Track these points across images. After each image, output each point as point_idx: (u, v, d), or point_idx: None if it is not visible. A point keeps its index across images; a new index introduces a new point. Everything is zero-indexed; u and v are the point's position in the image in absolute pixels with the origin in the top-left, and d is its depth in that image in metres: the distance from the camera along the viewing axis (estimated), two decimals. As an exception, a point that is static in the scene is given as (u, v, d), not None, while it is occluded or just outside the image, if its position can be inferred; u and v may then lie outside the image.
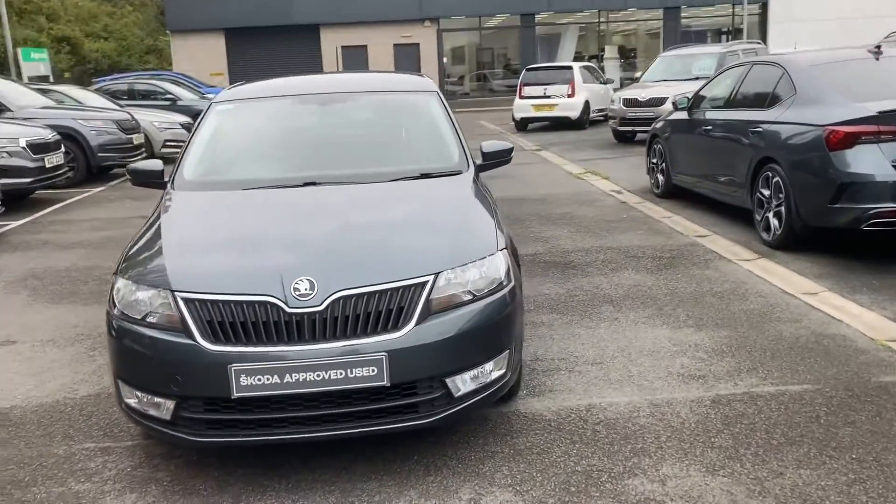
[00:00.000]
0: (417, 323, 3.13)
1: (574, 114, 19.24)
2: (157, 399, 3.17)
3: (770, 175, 6.73)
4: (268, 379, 3.01)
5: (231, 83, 25.54)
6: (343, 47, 31.54)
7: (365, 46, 31.62)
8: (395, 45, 31.74)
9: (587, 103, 19.36)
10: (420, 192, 4.01)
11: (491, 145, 4.57)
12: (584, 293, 5.77)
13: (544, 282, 6.10)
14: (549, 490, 3.16)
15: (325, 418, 3.12)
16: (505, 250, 3.55)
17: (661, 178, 9.48)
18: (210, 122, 4.61)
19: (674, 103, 9.07)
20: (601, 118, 19.48)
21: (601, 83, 21.28)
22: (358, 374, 3.05)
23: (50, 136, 10.90)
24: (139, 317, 3.22)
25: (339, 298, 3.08)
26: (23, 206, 10.74)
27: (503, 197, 9.88)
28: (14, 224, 9.61)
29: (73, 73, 29.64)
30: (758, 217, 7.02)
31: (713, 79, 8.87)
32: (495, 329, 3.38)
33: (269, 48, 31.24)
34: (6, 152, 10.11)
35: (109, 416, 4.00)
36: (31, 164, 10.34)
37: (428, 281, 3.20)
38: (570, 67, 20.05)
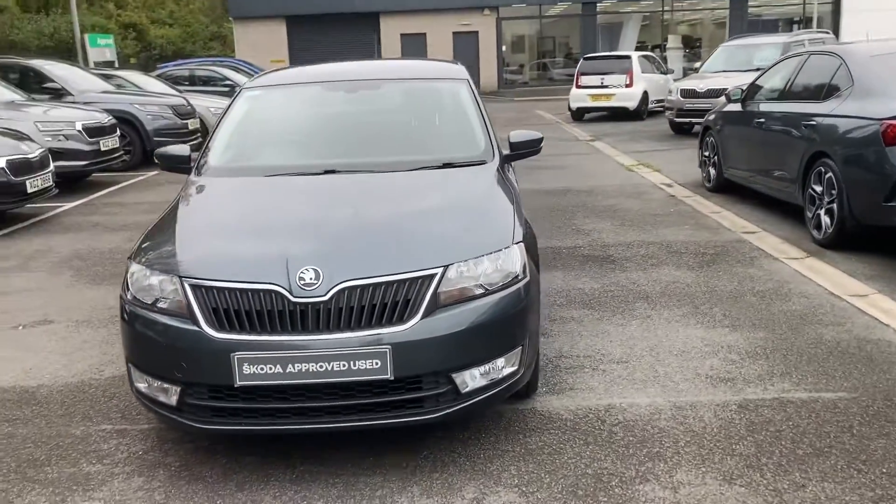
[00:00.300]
0: (424, 316, 3.06)
1: (632, 104, 18.87)
2: (164, 385, 3.17)
3: (822, 170, 6.45)
4: (270, 368, 2.98)
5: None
6: (403, 35, 31.56)
7: (424, 34, 31.59)
8: (453, 33, 31.63)
9: (645, 94, 18.96)
10: (440, 182, 3.93)
11: (519, 135, 4.45)
12: (620, 289, 5.61)
13: (580, 276, 5.96)
14: (556, 492, 3.06)
15: (328, 410, 3.07)
16: (521, 244, 3.45)
17: (712, 171, 9.20)
18: (238, 107, 4.60)
19: (726, 94, 8.78)
20: (660, 109, 19.03)
21: (661, 73, 20.81)
22: (361, 367, 2.99)
23: (106, 119, 11.13)
24: (150, 302, 3.22)
25: (344, 289, 3.03)
26: (78, 188, 11.01)
27: (550, 188, 9.78)
28: (68, 206, 9.85)
29: (139, 59, 30.35)
30: (809, 214, 6.74)
31: (769, 69, 8.54)
32: (508, 324, 3.29)
33: (329, 36, 31.46)
34: (63, 135, 10.36)
35: (130, 398, 4.02)
36: (86, 148, 10.58)
37: (436, 274, 3.12)
38: (628, 57, 19.66)
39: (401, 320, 3.04)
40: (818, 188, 6.53)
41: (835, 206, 6.26)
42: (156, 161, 4.53)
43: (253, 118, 4.53)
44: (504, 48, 33.57)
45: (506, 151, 4.40)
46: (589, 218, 8.04)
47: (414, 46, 31.49)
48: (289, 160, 4.27)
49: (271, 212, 3.63)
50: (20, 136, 8.92)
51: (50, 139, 10.12)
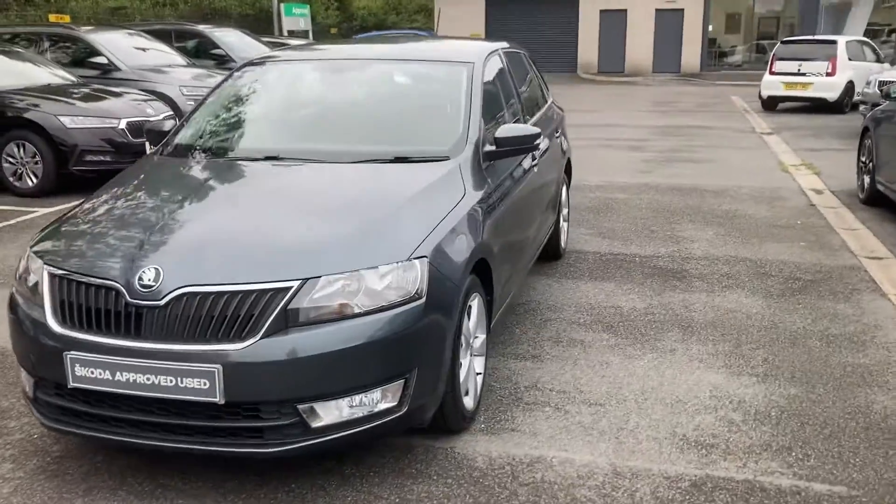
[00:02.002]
0: (266, 335, 2.67)
1: (832, 95, 16.80)
2: (26, 375, 3.04)
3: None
4: (99, 373, 2.74)
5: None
6: (602, 11, 30.34)
7: (625, 11, 30.16)
8: (657, 9, 29.91)
9: (850, 84, 16.78)
10: (370, 179, 3.48)
11: (508, 130, 3.87)
12: (664, 312, 4.85)
13: (630, 292, 5.23)
14: (391, 561, 2.58)
15: (162, 426, 2.79)
16: (424, 259, 2.95)
17: (866, 179, 7.85)
18: (229, 82, 4.38)
19: (881, 90, 7.40)
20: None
21: (877, 61, 18.35)
22: (189, 385, 2.67)
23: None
24: (27, 286, 3.08)
25: (182, 295, 2.71)
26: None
27: (677, 185, 8.85)
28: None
29: (340, 30, 31.49)
30: (945, 243, 5.50)
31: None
32: (387, 351, 2.83)
33: (527, 12, 30.90)
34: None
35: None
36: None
37: (291, 287, 2.71)
38: (833, 42, 17.48)
39: (238, 338, 2.68)
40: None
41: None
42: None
43: (233, 95, 4.29)
44: (710, 27, 31.28)
45: (492, 148, 3.85)
46: (694, 224, 7.12)
47: (612, 24, 30.20)
48: (241, 142, 3.99)
49: (166, 201, 3.36)
50: (150, 99, 9.35)
51: (192, 104, 10.55)
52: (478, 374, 3.54)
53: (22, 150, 8.34)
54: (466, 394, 3.38)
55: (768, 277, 5.52)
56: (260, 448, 2.74)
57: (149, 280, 2.74)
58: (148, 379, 2.70)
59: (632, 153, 11.39)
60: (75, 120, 8.35)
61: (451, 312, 3.04)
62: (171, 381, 2.68)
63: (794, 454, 3.21)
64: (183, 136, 4.02)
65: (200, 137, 4.00)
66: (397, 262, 2.89)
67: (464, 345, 3.30)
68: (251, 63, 4.50)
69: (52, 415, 2.95)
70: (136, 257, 2.85)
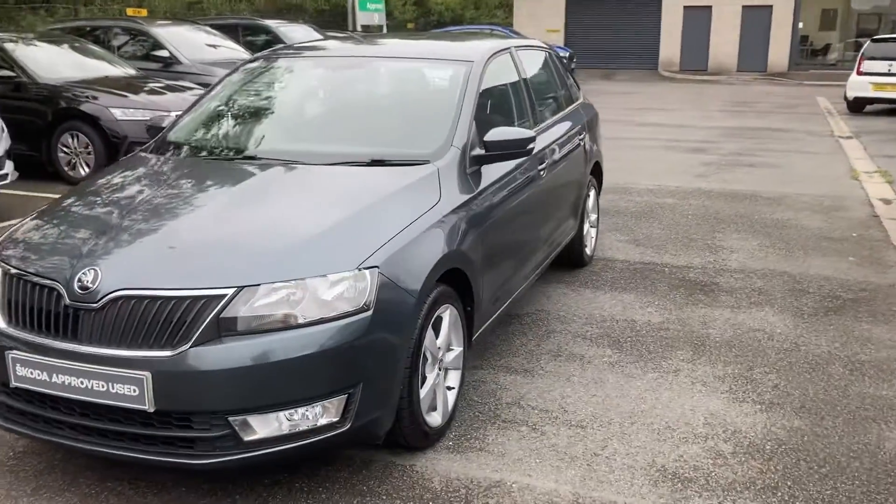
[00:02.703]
0: (197, 343, 2.58)
1: (924, 98, 15.80)
2: None
3: None
4: (38, 374, 2.72)
5: (565, 43, 25.13)
6: (686, 7, 29.42)
7: (710, 8, 29.16)
8: (743, 6, 28.79)
9: (944, 86, 15.75)
10: (339, 183, 3.35)
11: (498, 133, 3.67)
12: (680, 328, 4.57)
13: (649, 305, 4.96)
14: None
15: (98, 431, 2.73)
16: (375, 270, 2.80)
17: (936, 190, 7.29)
18: (230, 78, 4.33)
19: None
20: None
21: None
22: (119, 391, 2.61)
23: None
24: None
25: (117, 298, 2.65)
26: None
27: (732, 190, 8.46)
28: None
29: (417, 25, 31.46)
30: None
31: None
32: (331, 364, 2.70)
33: (607, 8, 30.24)
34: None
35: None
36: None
37: (225, 294, 2.62)
38: (929, 40, 16.44)
39: (170, 345, 2.60)
40: None
41: None
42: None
43: (223, 94, 4.22)
44: (801, 25, 29.94)
45: (481, 152, 3.67)
46: (739, 233, 6.74)
47: (696, 22, 29.25)
48: (219, 141, 3.92)
49: (120, 200, 3.28)
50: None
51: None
52: (449, 388, 3.39)
53: (76, 140, 8.58)
54: (434, 409, 3.24)
55: (804, 294, 5.15)
56: (192, 459, 2.66)
57: (87, 282, 2.69)
58: (81, 383, 2.65)
59: (693, 156, 10.94)
60: (126, 112, 8.53)
61: (404, 325, 2.89)
62: (102, 386, 2.63)
63: (779, 494, 2.94)
64: (171, 133, 3.98)
65: (183, 134, 3.96)
66: (346, 272, 2.76)
67: (429, 359, 3.15)
68: (250, 61, 4.44)
69: (2, 413, 2.94)
70: (80, 258, 2.80)
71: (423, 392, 3.10)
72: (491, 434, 3.37)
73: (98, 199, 3.37)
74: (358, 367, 2.76)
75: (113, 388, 2.61)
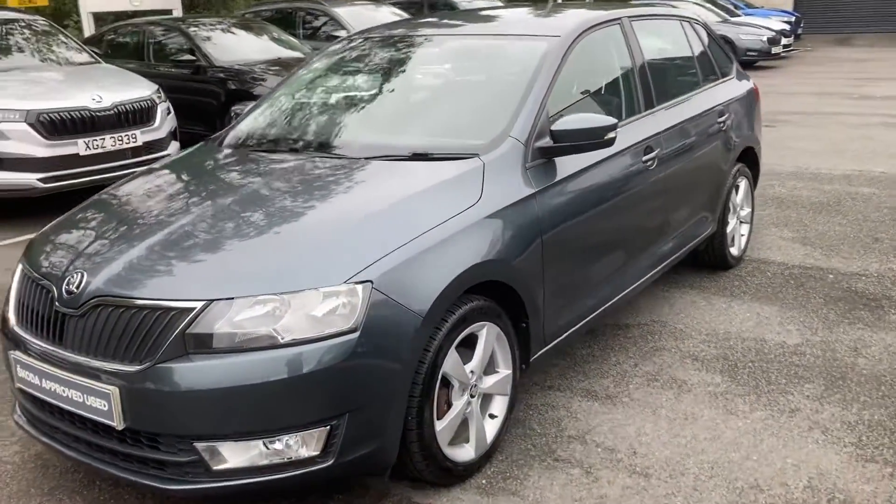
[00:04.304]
0: (163, 360, 2.36)
1: None
2: None
3: None
4: (31, 377, 2.65)
5: (794, 7, 22.94)
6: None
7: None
8: None
9: None
10: (357, 182, 2.97)
11: (569, 122, 3.11)
12: (819, 355, 3.77)
13: (792, 321, 4.16)
14: None
15: (84, 442, 2.61)
16: (367, 284, 2.44)
17: None
18: (312, 63, 4.09)
19: None
20: None
21: None
22: (92, 404, 2.47)
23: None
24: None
25: (98, 305, 2.49)
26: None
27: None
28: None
29: None
30: None
31: None
32: (311, 391, 2.39)
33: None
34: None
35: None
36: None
37: (194, 308, 2.37)
38: None
39: (137, 359, 2.40)
40: None
41: None
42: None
43: (312, 78, 3.96)
44: None
45: (549, 143, 3.14)
46: (941, 233, 5.57)
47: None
48: (278, 131, 3.64)
49: (158, 200, 3.08)
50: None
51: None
52: (492, 416, 2.95)
53: (242, 122, 8.87)
54: (466, 442, 2.83)
55: None
56: (163, 483, 2.46)
57: (74, 285, 2.56)
58: (63, 391, 2.54)
59: (916, 135, 9.37)
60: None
61: (403, 349, 2.49)
62: (79, 397, 2.50)
63: None
64: (246, 122, 3.79)
65: (257, 122, 3.77)
66: (336, 286, 2.42)
67: (455, 385, 2.74)
68: (342, 40, 4.17)
69: (20, 413, 2.91)
70: (76, 260, 2.69)
71: (443, 422, 2.70)
72: (534, 475, 2.90)
73: (117, 199, 3.26)
74: (341, 395, 2.42)
75: (87, 400, 2.48)
